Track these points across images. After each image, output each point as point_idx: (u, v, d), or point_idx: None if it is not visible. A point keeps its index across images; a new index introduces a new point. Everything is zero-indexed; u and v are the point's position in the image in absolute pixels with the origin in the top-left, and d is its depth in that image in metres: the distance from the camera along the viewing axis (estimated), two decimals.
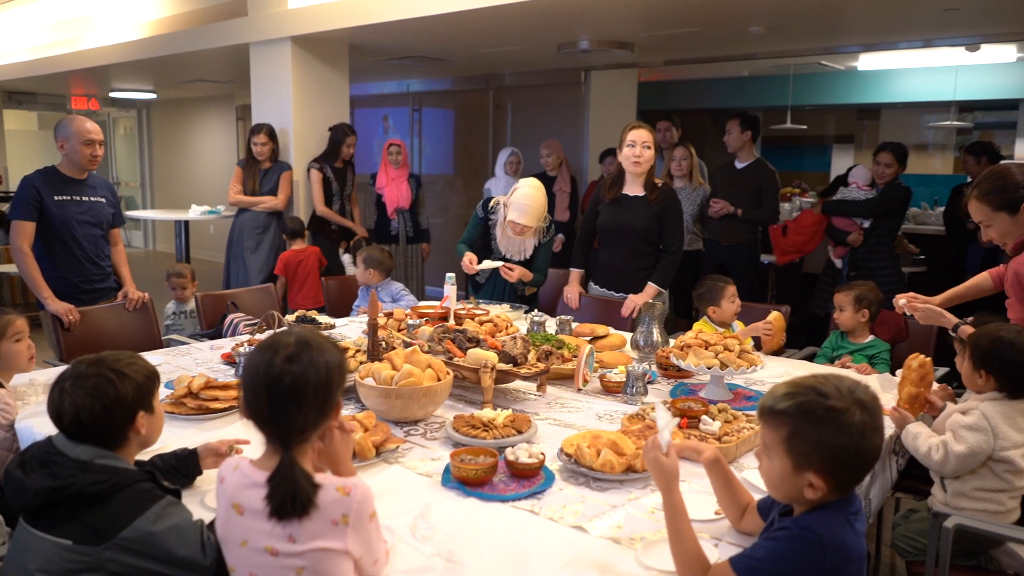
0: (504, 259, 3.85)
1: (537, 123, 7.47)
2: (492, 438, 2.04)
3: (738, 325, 3.44)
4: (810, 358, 3.41)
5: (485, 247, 3.92)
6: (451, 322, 3.47)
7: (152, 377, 1.62)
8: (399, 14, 4.96)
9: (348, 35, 5.59)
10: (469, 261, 3.77)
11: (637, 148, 3.58)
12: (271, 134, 5.55)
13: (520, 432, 2.08)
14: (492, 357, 2.41)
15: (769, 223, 5.09)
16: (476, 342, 2.58)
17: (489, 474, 1.82)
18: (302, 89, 5.69)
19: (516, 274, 3.78)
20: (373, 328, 2.45)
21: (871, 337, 3.19)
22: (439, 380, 2.26)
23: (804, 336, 4.58)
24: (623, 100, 7.37)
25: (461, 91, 8.15)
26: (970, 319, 2.54)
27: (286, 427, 1.35)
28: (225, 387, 2.32)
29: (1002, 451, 1.95)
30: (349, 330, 3.43)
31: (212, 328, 3.72)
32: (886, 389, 2.59)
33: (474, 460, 1.84)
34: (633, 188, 3.72)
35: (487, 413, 2.15)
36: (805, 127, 8.23)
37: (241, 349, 2.65)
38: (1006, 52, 6.64)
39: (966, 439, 1.96)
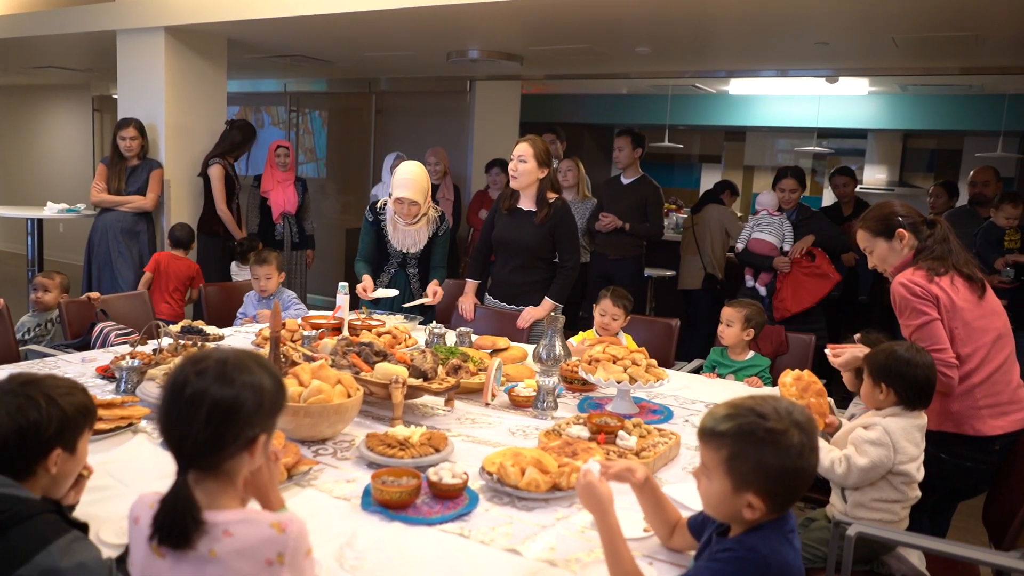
0: (402, 260, 3.76)
1: (421, 130, 7.39)
2: (410, 457, 1.97)
3: (625, 338, 3.50)
4: (697, 372, 3.52)
5: (381, 252, 3.81)
6: (345, 333, 3.36)
7: (85, 414, 1.43)
8: (283, 11, 4.77)
9: (227, 29, 5.32)
10: (364, 289, 3.65)
11: (514, 162, 3.59)
12: (140, 129, 5.19)
13: (438, 450, 2.02)
14: (402, 372, 2.33)
15: (654, 238, 5.25)
16: (384, 356, 2.49)
17: (413, 496, 1.75)
18: (176, 83, 5.35)
19: (439, 295, 3.71)
20: (275, 341, 2.31)
21: (751, 354, 3.32)
22: (349, 396, 2.16)
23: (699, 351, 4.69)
24: (506, 111, 7.43)
25: (342, 94, 7.95)
26: (857, 336, 2.70)
27: (178, 443, 1.22)
28: (110, 405, 2.11)
29: (900, 465, 2.07)
30: (236, 341, 3.23)
31: (78, 338, 3.41)
32: None
33: (397, 482, 1.76)
34: (526, 202, 3.72)
35: (401, 431, 2.07)
36: (682, 146, 8.58)
37: (124, 363, 2.43)
38: (859, 85, 7.20)
39: (869, 453, 2.06)
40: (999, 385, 2.34)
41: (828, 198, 8.90)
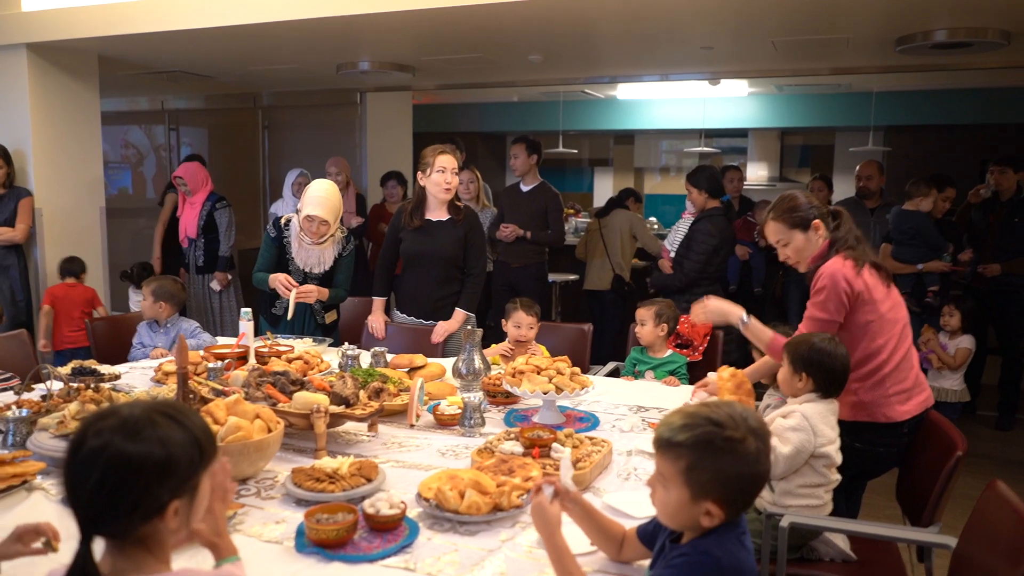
0: (303, 278, 3.63)
1: (312, 144, 7.19)
2: (341, 490, 1.87)
3: (540, 348, 3.50)
4: (614, 373, 3.56)
5: (280, 270, 3.66)
6: (252, 362, 3.20)
7: None
8: (159, 25, 4.53)
9: (97, 45, 5.00)
10: (287, 280, 3.51)
11: (447, 174, 3.56)
12: (4, 156, 4.80)
13: (370, 480, 1.93)
14: (322, 399, 2.23)
15: (556, 244, 5.28)
16: (301, 384, 2.38)
17: (351, 532, 1.66)
18: (43, 104, 4.98)
19: (315, 294, 3.58)
20: (183, 378, 2.16)
21: (669, 351, 3.40)
22: (270, 431, 2.04)
23: (607, 351, 4.75)
24: (399, 122, 7.33)
25: (226, 109, 7.63)
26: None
27: (74, 507, 1.10)
28: (8, 462, 1.91)
29: (820, 447, 2.14)
30: (133, 378, 3.02)
31: None
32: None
33: (332, 519, 1.67)
34: (437, 213, 3.68)
35: (328, 462, 1.97)
36: (576, 151, 8.71)
37: (9, 414, 2.21)
38: (740, 87, 7.52)
39: (791, 439, 2.12)
40: (904, 372, 2.46)
41: None
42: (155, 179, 8.11)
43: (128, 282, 5.46)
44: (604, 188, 9.81)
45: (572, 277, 6.19)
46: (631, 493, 1.95)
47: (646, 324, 3.34)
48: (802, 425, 2.14)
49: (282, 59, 5.43)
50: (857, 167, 5.25)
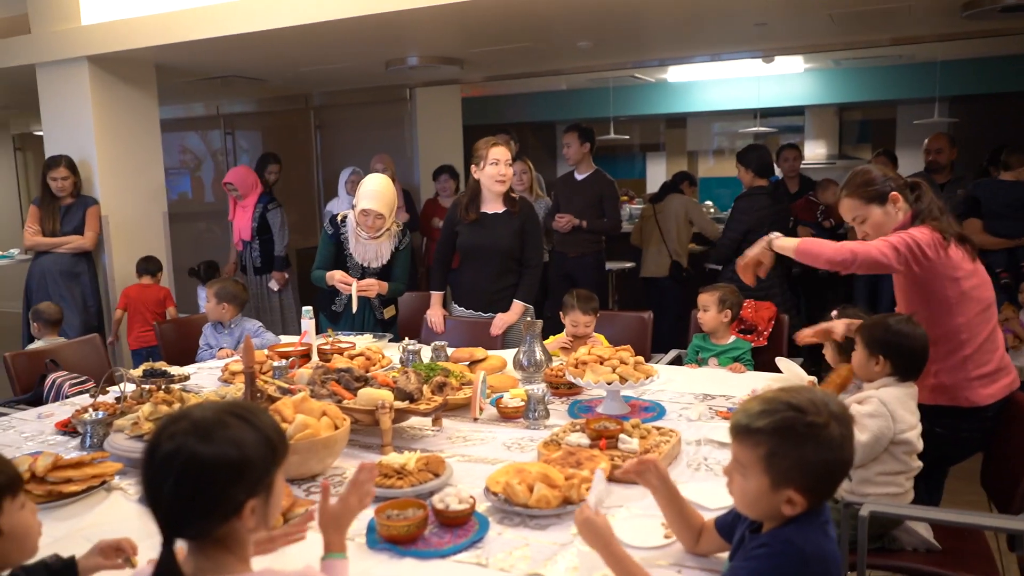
0: (362, 273, 3.65)
1: (364, 142, 7.25)
2: (409, 486, 1.87)
3: (599, 339, 3.45)
4: (676, 361, 3.50)
5: (339, 266, 3.70)
6: (315, 359, 3.24)
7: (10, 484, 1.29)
8: (210, 31, 4.61)
9: (153, 54, 5.11)
10: (343, 278, 3.57)
11: (501, 166, 3.54)
12: (71, 166, 4.96)
13: (437, 475, 1.92)
14: (387, 396, 2.23)
15: (613, 232, 5.21)
16: (364, 380, 2.39)
17: (421, 528, 1.66)
18: (105, 115, 5.12)
19: (375, 288, 3.60)
20: (251, 378, 2.18)
21: (733, 337, 3.32)
22: (336, 428, 2.05)
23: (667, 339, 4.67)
24: (448, 116, 7.34)
25: (278, 112, 7.75)
26: (834, 312, 2.68)
27: (153, 509, 1.11)
28: (78, 464, 1.96)
29: (900, 434, 2.05)
30: (201, 378, 3.08)
31: (28, 392, 3.21)
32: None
33: (402, 515, 1.67)
34: (492, 206, 3.67)
35: (396, 458, 1.97)
36: (628, 137, 8.60)
37: (86, 416, 2.27)
38: (795, 63, 7.31)
39: (869, 427, 2.05)
40: (988, 353, 2.34)
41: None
42: (213, 183, 8.29)
43: (196, 279, 5.67)
44: (657, 173, 9.67)
45: (629, 265, 6.12)
46: (703, 484, 1.90)
47: (709, 310, 3.27)
48: (880, 411, 2.06)
49: (332, 58, 5.47)
50: (925, 140, 5.05)
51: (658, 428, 2.20)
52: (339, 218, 3.74)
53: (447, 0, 3.97)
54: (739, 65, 7.27)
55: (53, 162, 4.90)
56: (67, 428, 2.45)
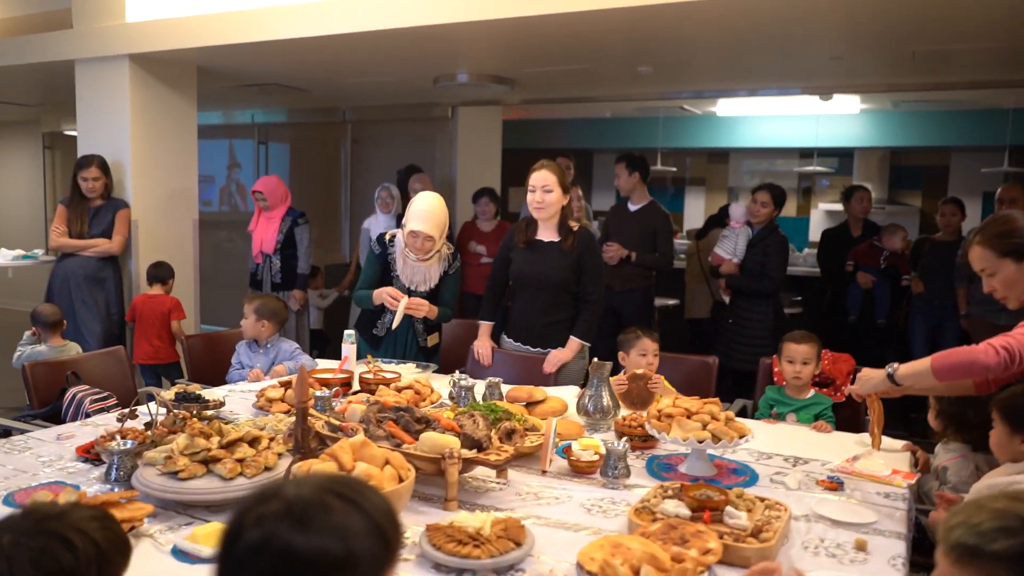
0: (409, 296, 3.40)
1: (399, 159, 7.03)
2: (488, 556, 1.60)
3: (662, 380, 3.18)
4: (742, 413, 3.21)
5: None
6: (355, 387, 2.99)
7: (122, 550, 1.11)
8: (259, 35, 4.41)
9: (196, 56, 4.93)
10: (392, 295, 3.32)
11: (538, 193, 3.30)
12: (103, 167, 4.75)
13: (519, 544, 1.65)
14: (454, 442, 1.97)
15: (664, 268, 4.94)
16: (426, 422, 2.12)
17: None
18: (142, 116, 4.93)
19: (425, 309, 3.35)
20: (303, 415, 1.92)
21: (812, 392, 3.04)
22: (401, 480, 1.79)
23: (727, 388, 4.38)
24: (489, 138, 7.13)
25: (315, 123, 7.57)
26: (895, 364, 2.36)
27: None
28: (105, 504, 1.69)
29: None
30: (233, 404, 2.82)
31: (47, 406, 2.96)
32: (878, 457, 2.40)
33: None
34: (546, 233, 3.43)
35: (467, 519, 1.70)
36: (675, 169, 8.37)
37: (113, 445, 2.02)
38: (851, 103, 7.06)
39: None
40: None
41: (815, 219, 8.77)
42: (240, 192, 8.12)
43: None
44: (695, 208, 9.42)
45: (672, 301, 5.85)
46: (837, 573, 1.62)
47: (809, 363, 2.95)
48: None
49: (378, 70, 5.28)
50: (998, 189, 4.77)
51: (761, 499, 1.92)
52: (387, 237, 3.50)
53: (502, 15, 3.76)
54: (790, 102, 7.03)
55: (85, 161, 4.70)
56: (89, 455, 2.19)
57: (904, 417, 4.13)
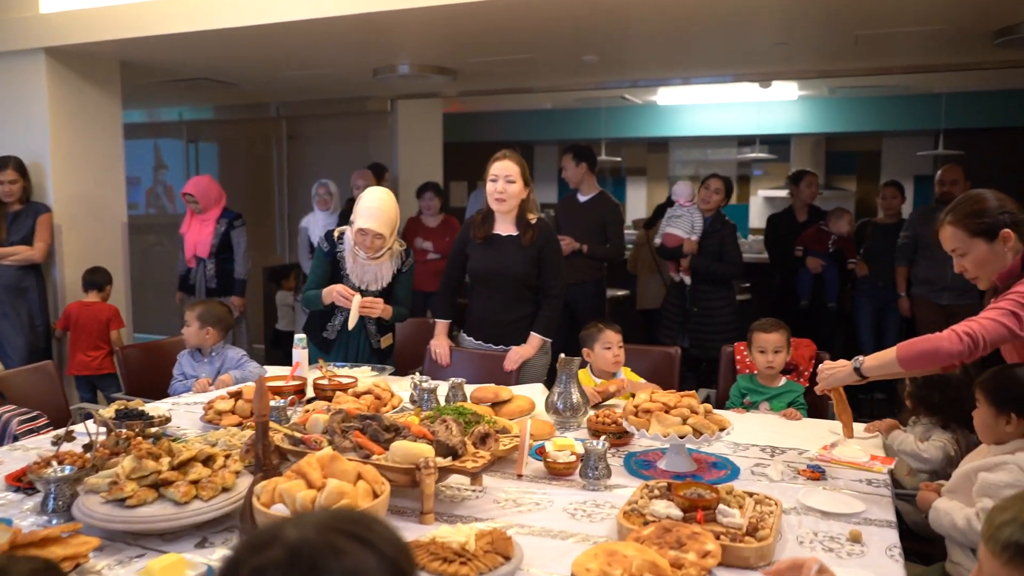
0: (361, 296, 3.25)
1: (339, 156, 6.84)
2: (476, 574, 1.48)
3: (624, 373, 3.13)
4: (719, 404, 3.16)
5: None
6: (308, 394, 2.83)
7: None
8: (185, 25, 4.18)
9: (119, 49, 4.65)
10: (343, 293, 3.17)
11: (500, 183, 3.19)
12: (20, 169, 4.45)
13: (507, 558, 1.54)
14: (428, 451, 1.84)
15: (615, 259, 4.89)
16: (396, 431, 1.99)
17: None
18: (62, 114, 4.62)
19: (379, 308, 3.21)
20: (263, 429, 1.76)
21: (784, 380, 3.01)
22: (376, 496, 1.66)
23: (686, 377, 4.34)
24: (430, 132, 6.98)
25: (247, 120, 7.28)
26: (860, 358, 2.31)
27: None
28: (44, 541, 1.52)
29: None
30: (178, 418, 2.62)
31: None
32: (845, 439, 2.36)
33: None
34: (504, 227, 3.32)
35: (449, 534, 1.58)
36: (620, 159, 8.35)
37: (48, 472, 1.82)
38: (789, 90, 7.14)
39: None
40: None
41: (755, 206, 8.87)
42: (167, 193, 7.78)
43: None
44: (637, 198, 9.43)
45: (622, 292, 5.81)
46: (845, 571, 1.55)
47: (781, 351, 2.92)
48: (1020, 480, 1.75)
49: (315, 63, 5.08)
50: (939, 171, 4.86)
51: (749, 494, 1.86)
52: (335, 235, 3.34)
53: (445, 1, 3.63)
54: (729, 90, 7.07)
55: (1, 163, 4.38)
56: (21, 483, 1.99)
57: (853, 399, 4.17)
